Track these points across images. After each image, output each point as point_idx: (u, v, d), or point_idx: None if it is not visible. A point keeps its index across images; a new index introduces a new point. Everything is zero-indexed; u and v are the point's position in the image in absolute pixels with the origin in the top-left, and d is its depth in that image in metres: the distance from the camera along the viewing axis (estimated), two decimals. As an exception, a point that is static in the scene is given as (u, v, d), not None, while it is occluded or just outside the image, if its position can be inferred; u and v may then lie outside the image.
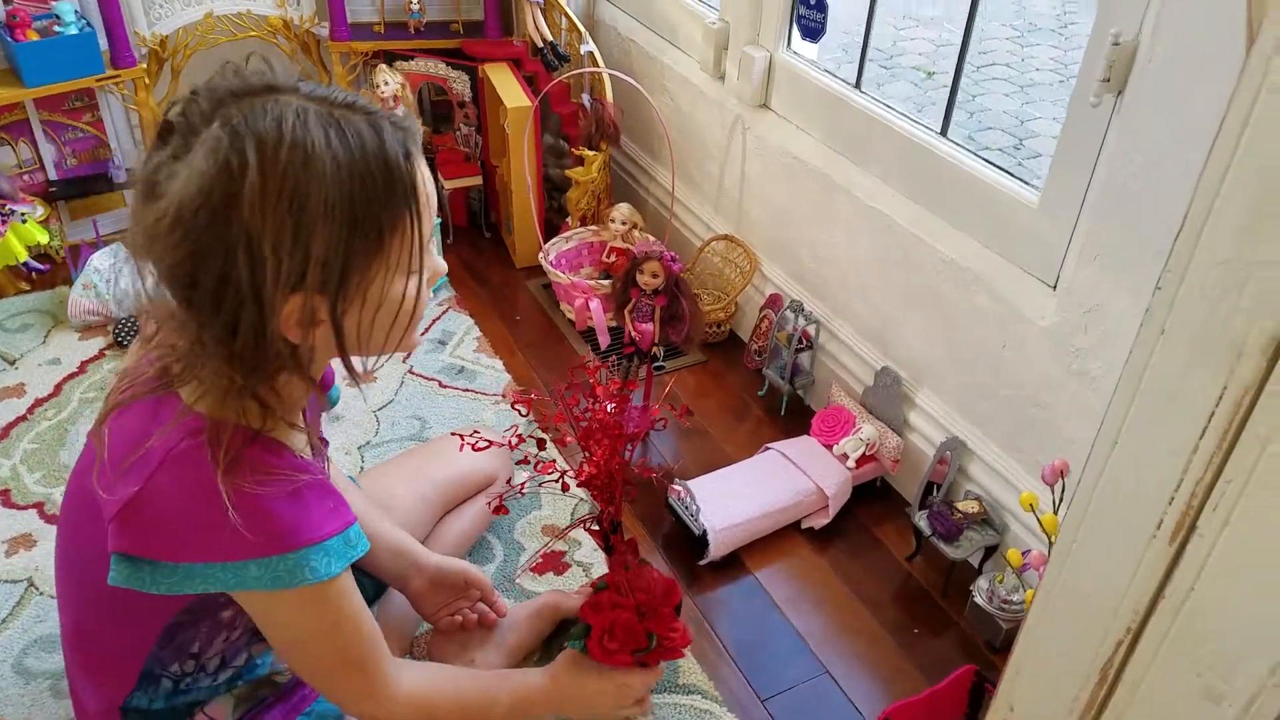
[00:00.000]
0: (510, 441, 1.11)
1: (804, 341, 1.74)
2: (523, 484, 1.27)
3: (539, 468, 1.25)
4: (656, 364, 1.68)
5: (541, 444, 1.35)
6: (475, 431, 1.12)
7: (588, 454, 1.30)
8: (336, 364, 0.87)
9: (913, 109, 3.79)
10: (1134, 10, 1.07)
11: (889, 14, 4.55)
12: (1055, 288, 1.29)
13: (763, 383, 1.83)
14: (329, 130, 0.71)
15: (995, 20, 4.56)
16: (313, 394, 0.85)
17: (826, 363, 1.75)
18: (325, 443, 1.02)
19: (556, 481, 1.26)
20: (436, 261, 0.85)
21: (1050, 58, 4.28)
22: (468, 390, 1.82)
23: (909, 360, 1.58)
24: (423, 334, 1.67)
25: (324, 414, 1.08)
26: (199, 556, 0.78)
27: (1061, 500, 1.12)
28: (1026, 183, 1.33)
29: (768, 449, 1.62)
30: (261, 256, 0.70)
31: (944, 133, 1.47)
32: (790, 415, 1.78)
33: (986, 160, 1.40)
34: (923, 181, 1.50)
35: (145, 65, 2.03)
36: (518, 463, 1.27)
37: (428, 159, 2.19)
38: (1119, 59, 1.08)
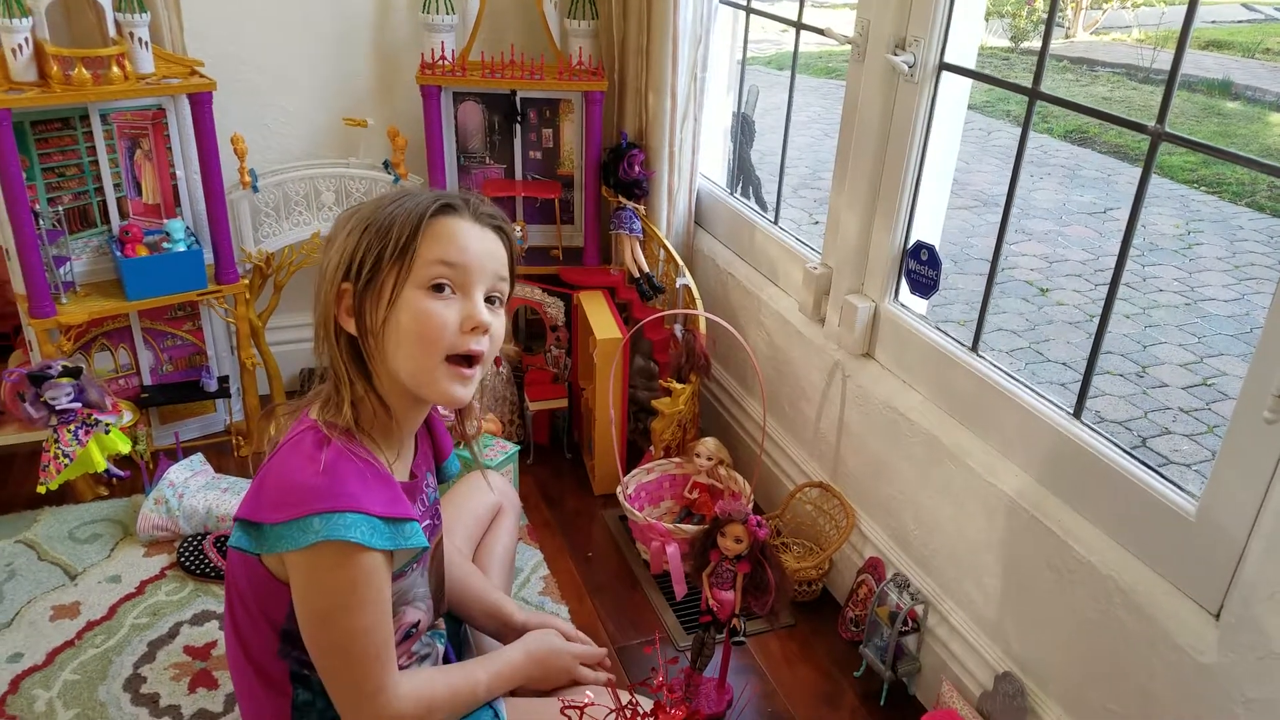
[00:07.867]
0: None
1: (910, 622, 1.53)
2: None
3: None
4: (736, 638, 1.50)
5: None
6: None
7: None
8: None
9: (1024, 325, 3.63)
10: (1315, 322, 0.92)
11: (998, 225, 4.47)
12: (1218, 618, 1.08)
13: (859, 661, 1.61)
14: (396, 195, 1.04)
15: (1114, 238, 4.43)
16: (425, 449, 1.17)
17: (935, 649, 1.53)
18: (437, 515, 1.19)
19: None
20: (478, 306, 1.01)
21: (1174, 279, 4.09)
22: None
23: (1035, 666, 1.35)
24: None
25: (432, 482, 1.21)
26: (279, 517, 0.94)
27: None
28: (1181, 487, 1.14)
29: (864, 758, 1.39)
30: (330, 254, 1.03)
31: (1078, 415, 1.30)
32: (891, 706, 1.55)
33: (1130, 454, 1.22)
34: (1051, 463, 1.32)
35: (248, 280, 2.06)
36: None
37: (516, 378, 2.11)
38: (1298, 374, 0.91)
